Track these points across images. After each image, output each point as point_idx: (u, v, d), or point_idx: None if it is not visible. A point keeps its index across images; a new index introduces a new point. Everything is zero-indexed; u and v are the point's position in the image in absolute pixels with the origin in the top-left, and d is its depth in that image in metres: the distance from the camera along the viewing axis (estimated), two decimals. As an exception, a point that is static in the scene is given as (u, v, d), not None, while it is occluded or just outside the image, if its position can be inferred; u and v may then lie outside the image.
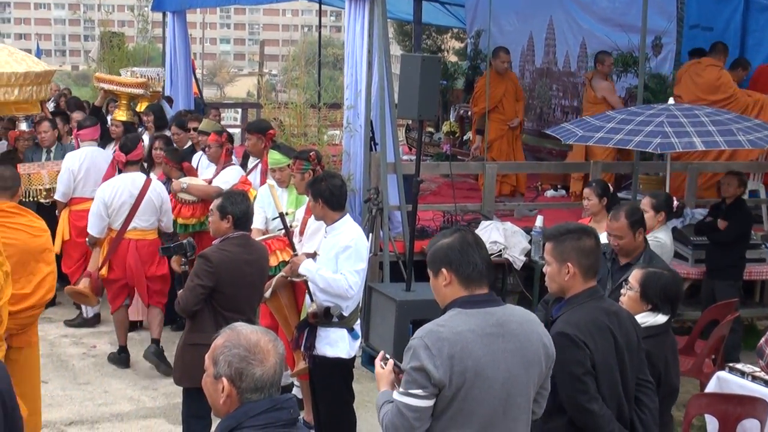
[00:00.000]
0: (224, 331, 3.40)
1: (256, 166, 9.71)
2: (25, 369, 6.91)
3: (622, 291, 5.60)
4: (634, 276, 5.52)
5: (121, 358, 9.52)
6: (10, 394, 4.14)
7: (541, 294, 8.89)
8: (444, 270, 4.13)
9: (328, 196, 6.77)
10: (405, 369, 3.97)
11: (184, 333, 6.77)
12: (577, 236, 4.76)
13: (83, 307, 10.56)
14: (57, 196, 10.34)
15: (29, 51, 13.57)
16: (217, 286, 6.45)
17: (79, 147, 10.76)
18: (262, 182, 9.29)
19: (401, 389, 3.97)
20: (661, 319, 5.38)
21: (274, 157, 8.37)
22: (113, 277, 9.41)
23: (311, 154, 7.88)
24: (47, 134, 11.11)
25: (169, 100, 15.04)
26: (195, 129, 11.07)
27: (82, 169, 10.32)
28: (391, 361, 4.15)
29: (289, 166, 8.20)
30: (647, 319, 5.35)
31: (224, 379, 3.30)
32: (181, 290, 6.62)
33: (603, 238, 6.28)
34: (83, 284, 9.38)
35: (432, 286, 4.26)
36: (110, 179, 9.62)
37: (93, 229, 9.38)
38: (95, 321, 10.64)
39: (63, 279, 10.26)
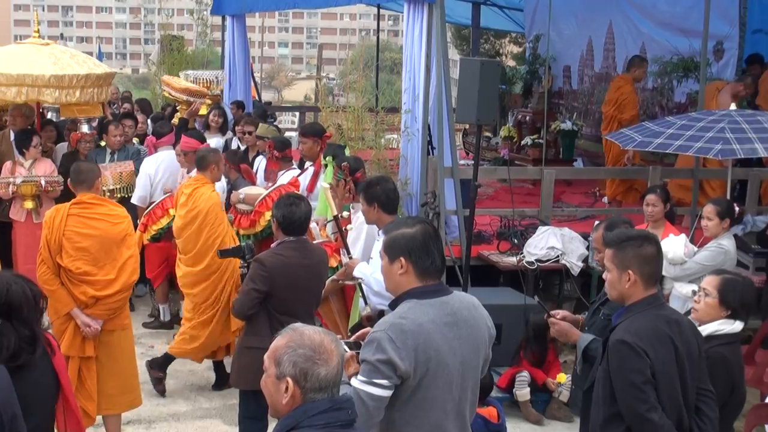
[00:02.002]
0: (285, 332, 3.41)
1: (306, 168, 9.73)
2: (118, 350, 7.28)
3: (695, 299, 5.47)
4: (711, 283, 5.39)
5: None
6: (7, 405, 4.12)
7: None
8: (402, 259, 4.21)
9: (384, 200, 6.63)
10: (370, 360, 4.00)
11: (241, 336, 6.79)
12: (638, 243, 4.70)
13: (161, 309, 10.73)
14: (134, 200, 10.41)
15: (91, 54, 13.77)
16: (272, 290, 6.44)
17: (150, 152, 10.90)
18: (312, 184, 9.31)
19: (363, 377, 4.01)
20: (738, 326, 5.28)
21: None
22: None
23: (344, 164, 7.86)
24: (122, 138, 11.32)
25: (240, 105, 15.09)
26: (250, 133, 11.27)
27: (159, 172, 10.46)
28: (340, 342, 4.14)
29: (326, 165, 8.25)
30: (724, 326, 5.25)
31: (289, 379, 3.31)
32: (238, 294, 6.65)
33: (664, 246, 6.18)
34: None
35: (384, 270, 4.33)
36: None
37: None
38: (171, 324, 10.76)
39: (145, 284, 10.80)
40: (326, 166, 8.57)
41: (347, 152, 8.71)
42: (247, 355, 6.45)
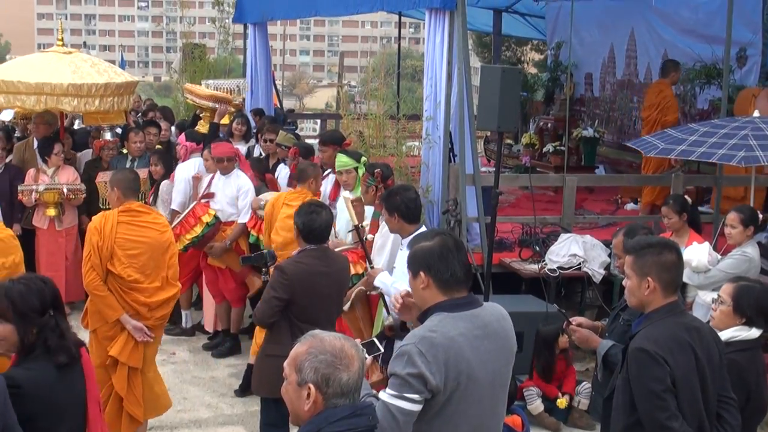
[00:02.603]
0: (305, 339, 3.43)
1: (327, 175, 9.73)
2: (153, 357, 7.42)
3: (713, 307, 5.48)
4: (725, 290, 5.40)
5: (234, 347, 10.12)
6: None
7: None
8: (422, 273, 4.20)
9: (404, 210, 6.59)
10: (400, 374, 3.96)
11: (262, 344, 6.81)
12: (658, 251, 4.68)
13: (183, 317, 10.80)
14: (174, 206, 10.28)
15: (113, 62, 13.87)
16: (293, 298, 6.43)
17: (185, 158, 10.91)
18: (334, 192, 9.31)
19: (393, 391, 3.97)
20: (754, 333, 5.25)
21: (341, 159, 8.40)
22: None
23: (377, 171, 7.78)
24: (142, 144, 11.34)
25: (259, 112, 15.11)
26: (271, 140, 11.30)
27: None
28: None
29: (356, 169, 8.21)
30: (740, 333, 5.24)
31: (310, 386, 3.32)
32: (259, 302, 6.65)
33: (686, 255, 6.14)
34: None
35: (410, 285, 4.34)
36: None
37: None
38: (193, 331, 10.84)
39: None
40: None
41: (362, 160, 8.66)
42: (268, 362, 6.45)
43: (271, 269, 6.89)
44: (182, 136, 11.38)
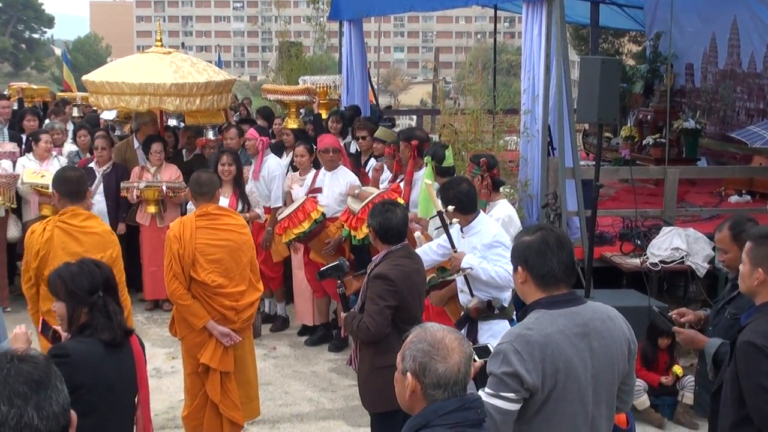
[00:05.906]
0: (414, 329, 3.45)
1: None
2: (246, 358, 7.34)
3: None
4: None
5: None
6: None
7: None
8: (520, 268, 4.15)
9: (457, 203, 6.92)
10: (496, 373, 3.91)
11: (369, 357, 6.38)
12: (775, 244, 4.57)
13: (267, 304, 11.11)
14: (279, 203, 10.49)
15: (210, 62, 14.08)
16: (401, 302, 6.22)
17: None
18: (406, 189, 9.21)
19: (490, 390, 3.92)
20: None
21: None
22: None
23: (482, 159, 7.90)
24: (233, 141, 11.38)
25: (356, 110, 15.14)
26: (363, 137, 11.24)
27: (286, 173, 10.81)
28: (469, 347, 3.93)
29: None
30: None
31: (409, 374, 3.34)
32: (365, 316, 6.24)
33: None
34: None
35: (513, 278, 4.31)
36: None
37: None
38: (284, 322, 11.03)
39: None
40: (426, 165, 8.54)
41: (449, 152, 8.58)
42: (383, 375, 5.88)
43: (347, 280, 6.79)
44: (253, 131, 11.20)
